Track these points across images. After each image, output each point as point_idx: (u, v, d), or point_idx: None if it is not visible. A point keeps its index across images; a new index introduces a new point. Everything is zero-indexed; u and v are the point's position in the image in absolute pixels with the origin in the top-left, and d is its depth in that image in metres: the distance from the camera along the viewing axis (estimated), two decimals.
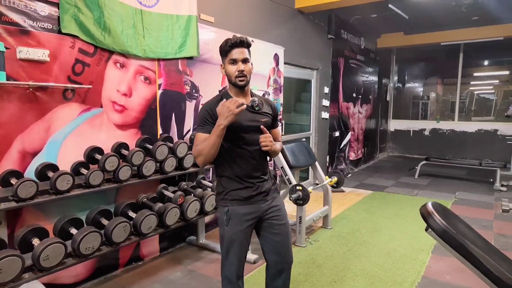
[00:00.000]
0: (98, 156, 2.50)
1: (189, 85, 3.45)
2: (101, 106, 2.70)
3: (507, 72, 9.91)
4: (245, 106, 1.64)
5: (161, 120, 3.19)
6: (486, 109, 10.14)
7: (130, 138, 2.91)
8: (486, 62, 10.40)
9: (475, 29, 7.20)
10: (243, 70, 1.73)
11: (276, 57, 4.72)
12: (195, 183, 3.20)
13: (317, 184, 3.96)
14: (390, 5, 5.89)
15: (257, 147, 1.75)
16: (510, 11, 6.02)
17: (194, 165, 3.16)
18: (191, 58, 3.38)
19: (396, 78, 10.18)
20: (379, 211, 4.62)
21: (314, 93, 5.86)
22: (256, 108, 1.79)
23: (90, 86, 2.59)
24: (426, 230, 1.67)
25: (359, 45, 7.34)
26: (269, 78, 4.62)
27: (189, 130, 3.47)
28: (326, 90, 6.06)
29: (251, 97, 1.84)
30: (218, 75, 3.77)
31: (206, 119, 1.74)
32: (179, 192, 2.75)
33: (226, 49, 1.75)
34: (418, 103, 11.24)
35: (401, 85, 10.73)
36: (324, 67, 5.96)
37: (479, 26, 7.11)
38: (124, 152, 2.67)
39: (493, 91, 10.32)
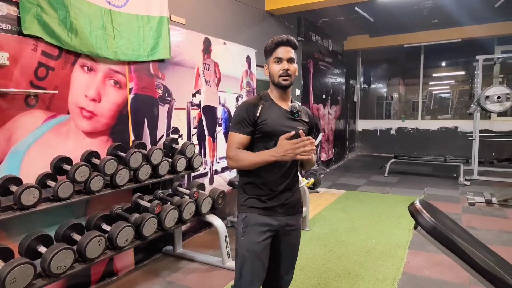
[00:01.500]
0: (66, 167, 2.33)
1: (162, 89, 3.32)
2: (68, 113, 2.52)
3: (463, 73, 10.46)
4: (308, 154, 1.50)
5: (133, 126, 3.03)
6: (444, 108, 10.63)
7: (101, 146, 2.74)
8: (444, 63, 10.91)
9: (435, 32, 7.52)
10: (288, 69, 1.62)
11: (248, 60, 4.67)
12: (171, 190, 3.07)
13: None
14: (356, 8, 6.02)
15: None
16: (467, 14, 6.33)
17: (170, 172, 3.03)
18: (162, 61, 3.25)
19: (362, 79, 10.44)
20: (354, 210, 4.67)
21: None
22: (295, 115, 1.67)
23: (56, 92, 2.41)
24: (415, 228, 1.66)
25: (327, 47, 7.45)
26: (242, 80, 4.56)
27: (162, 136, 3.33)
28: (298, 92, 6.08)
29: (291, 102, 1.72)
30: (191, 78, 3.66)
31: (244, 119, 1.61)
32: (156, 201, 2.62)
33: (271, 47, 1.65)
34: (383, 103, 11.61)
35: (366, 86, 11.02)
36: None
37: (438, 29, 7.43)
38: (95, 161, 2.51)
39: (449, 90, 10.84)
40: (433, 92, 10.65)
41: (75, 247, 2.08)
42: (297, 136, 1.51)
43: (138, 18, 2.90)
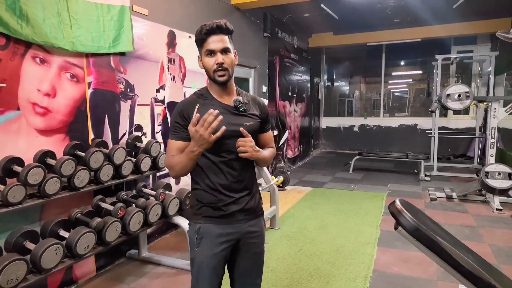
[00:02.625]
0: (17, 168, 2.10)
1: (123, 83, 3.12)
2: (18, 109, 2.28)
3: (420, 72, 10.90)
4: (224, 128, 1.34)
5: (92, 123, 2.82)
6: (402, 106, 11.04)
7: (56, 145, 2.52)
8: (402, 62, 11.30)
9: (397, 31, 7.73)
10: (222, 63, 1.42)
11: None
12: (135, 192, 2.90)
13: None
14: (322, 5, 6.04)
15: (239, 155, 1.45)
16: (427, 14, 6.55)
17: (133, 172, 2.85)
18: (124, 54, 3.05)
19: (326, 77, 10.58)
20: (322, 207, 4.69)
21: (253, 92, 5.77)
22: (240, 110, 1.49)
23: (3, 85, 2.17)
24: (396, 229, 1.63)
25: (293, 44, 7.44)
26: None
27: (125, 134, 3.14)
28: (264, 89, 6.02)
29: (237, 95, 1.53)
30: (155, 73, 3.48)
31: (178, 123, 1.46)
32: (120, 204, 2.44)
33: (201, 37, 1.44)
34: (345, 101, 11.87)
35: (330, 84, 11.18)
36: (261, 65, 5.91)
37: (400, 28, 7.65)
38: (51, 161, 2.29)
39: (406, 89, 11.26)
40: (392, 90, 11.01)
41: (28, 257, 1.88)
42: (241, 135, 1.42)
43: (97, 6, 2.68)
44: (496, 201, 4.41)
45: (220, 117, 1.31)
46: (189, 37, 4.00)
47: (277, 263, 3.06)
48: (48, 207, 2.44)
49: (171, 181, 3.70)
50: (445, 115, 8.75)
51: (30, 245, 1.99)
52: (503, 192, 4.40)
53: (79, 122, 2.70)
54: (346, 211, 4.48)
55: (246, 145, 1.41)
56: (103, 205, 2.48)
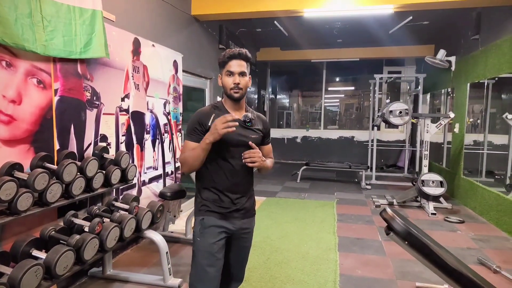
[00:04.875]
0: None
1: (90, 91, 2.95)
2: None
3: (353, 88, 11.82)
4: (234, 128, 1.59)
5: (58, 133, 2.62)
6: (333, 119, 11.81)
7: (21, 156, 2.30)
8: (338, 79, 12.13)
9: (338, 50, 8.31)
10: (239, 83, 1.70)
11: (175, 64, 4.47)
12: (105, 206, 2.74)
13: None
14: (275, 22, 6.29)
15: (242, 162, 1.71)
16: (366, 37, 7.16)
17: (103, 185, 2.71)
18: (87, 60, 2.89)
19: (270, 90, 10.91)
20: (279, 216, 4.82)
21: (208, 102, 5.78)
22: (248, 124, 1.76)
23: None
24: (387, 234, 1.78)
25: None
26: (169, 85, 4.35)
27: (90, 144, 2.96)
28: (219, 99, 6.05)
29: (246, 111, 1.81)
30: (120, 81, 3.34)
31: (196, 128, 1.72)
32: (97, 219, 2.30)
33: (224, 60, 1.73)
34: (283, 113, 12.35)
35: (274, 97, 11.56)
36: (216, 76, 5.94)
37: (341, 48, 8.24)
38: (20, 175, 2.09)
39: (338, 103, 12.10)
40: (325, 104, 11.75)
41: (5, 281, 1.69)
42: (249, 147, 1.69)
43: (70, 8, 2.53)
44: (431, 206, 4.94)
45: (236, 123, 1.61)
46: (153, 45, 3.92)
47: (250, 273, 3.10)
48: (10, 225, 2.21)
49: (133, 192, 3.55)
50: (378, 129, 9.55)
51: (4, 269, 1.79)
52: (436, 198, 4.96)
53: (45, 132, 2.50)
54: (302, 219, 4.67)
55: (255, 155, 1.68)
56: (76, 221, 2.32)
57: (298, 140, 10.19)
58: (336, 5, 4.60)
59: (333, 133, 9.97)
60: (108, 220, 2.51)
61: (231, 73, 1.71)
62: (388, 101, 9.61)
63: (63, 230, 2.24)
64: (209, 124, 1.67)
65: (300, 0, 4.72)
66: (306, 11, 4.90)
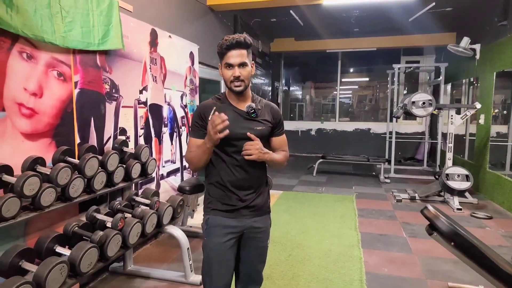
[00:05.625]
0: (7, 178, 1.85)
1: (109, 83, 2.89)
2: (3, 110, 2.00)
3: (367, 79, 11.55)
4: (227, 131, 1.47)
5: (78, 127, 2.57)
6: (347, 111, 11.59)
7: (42, 150, 2.25)
8: (351, 69, 11.89)
9: (355, 40, 8.10)
10: (239, 76, 1.56)
11: (191, 56, 4.39)
12: (125, 201, 2.69)
13: None
14: (291, 11, 6.13)
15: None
16: (384, 26, 6.95)
17: (124, 179, 2.65)
18: (108, 52, 2.82)
19: (283, 81, 10.77)
20: (298, 211, 4.74)
21: None
22: (252, 115, 1.63)
23: None
24: (430, 234, 1.67)
25: (258, 47, 7.47)
26: (186, 77, 4.27)
27: (109, 138, 2.90)
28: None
29: (252, 101, 1.67)
30: (138, 73, 3.27)
31: (197, 123, 1.64)
32: (119, 215, 2.25)
33: (221, 51, 1.58)
34: (296, 105, 12.19)
35: (287, 88, 11.41)
36: None
37: (357, 37, 8.03)
38: (42, 169, 2.04)
39: (350, 95, 11.87)
40: (339, 95, 11.54)
41: (31, 280, 1.65)
42: (248, 138, 1.58)
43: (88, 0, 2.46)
44: (456, 201, 4.79)
45: (226, 122, 1.44)
46: (169, 36, 3.83)
47: (271, 270, 3.03)
48: (34, 220, 2.17)
49: (152, 187, 3.50)
50: (396, 121, 9.34)
51: (29, 266, 1.75)
52: (461, 193, 4.80)
53: (66, 125, 2.44)
54: (322, 214, 4.57)
55: (252, 148, 1.56)
56: (99, 216, 2.26)
57: (313, 132, 10.05)
58: None
59: (349, 125, 9.80)
60: (130, 215, 2.46)
61: (229, 66, 1.57)
62: (405, 92, 9.37)
63: (86, 226, 2.19)
64: (210, 118, 1.54)
65: None
66: None
